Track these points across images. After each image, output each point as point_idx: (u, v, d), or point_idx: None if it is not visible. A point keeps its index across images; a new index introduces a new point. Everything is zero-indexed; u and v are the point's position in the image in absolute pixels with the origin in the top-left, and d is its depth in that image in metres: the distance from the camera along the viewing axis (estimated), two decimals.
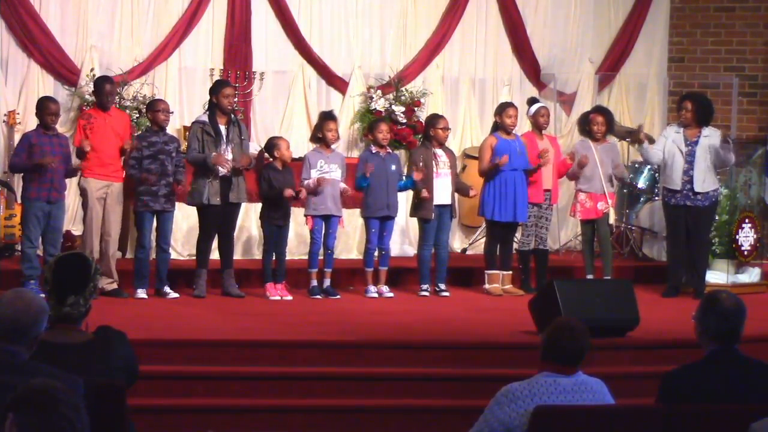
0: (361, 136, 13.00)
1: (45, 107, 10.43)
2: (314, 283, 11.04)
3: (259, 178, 10.88)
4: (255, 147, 11.95)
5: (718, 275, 11.83)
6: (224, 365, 8.43)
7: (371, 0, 13.38)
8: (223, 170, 10.64)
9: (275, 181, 10.78)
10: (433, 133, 11.30)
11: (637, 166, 13.10)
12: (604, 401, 5.19)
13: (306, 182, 10.88)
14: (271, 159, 10.95)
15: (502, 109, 11.54)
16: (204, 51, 12.80)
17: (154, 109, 10.77)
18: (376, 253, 11.24)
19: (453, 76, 13.75)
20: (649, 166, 12.84)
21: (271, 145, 10.99)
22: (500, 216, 11.28)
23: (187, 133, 11.30)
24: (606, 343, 8.55)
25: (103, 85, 10.79)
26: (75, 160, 10.84)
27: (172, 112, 11.38)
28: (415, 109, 13.12)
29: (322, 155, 11.03)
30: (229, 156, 10.71)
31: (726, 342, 5.29)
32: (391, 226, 11.31)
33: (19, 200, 10.89)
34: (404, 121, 12.99)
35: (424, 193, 11.09)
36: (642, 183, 13.03)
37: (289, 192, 10.71)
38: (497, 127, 11.47)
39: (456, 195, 11.50)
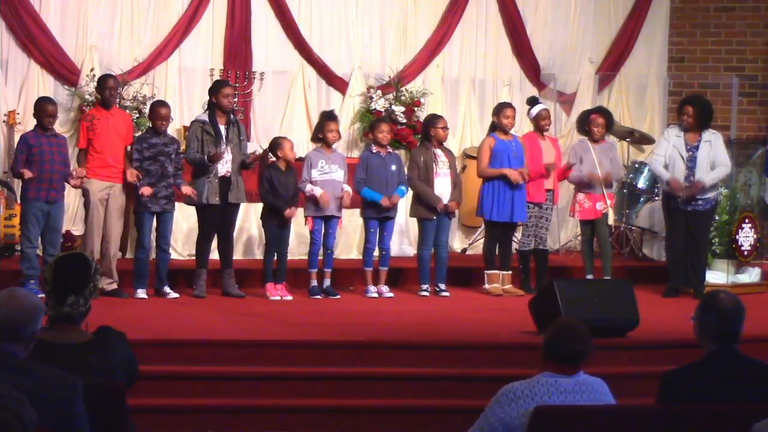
0: (361, 136, 13.00)
1: (42, 109, 10.43)
2: (314, 283, 11.04)
3: (261, 177, 10.87)
4: (254, 147, 11.94)
5: (718, 275, 11.82)
6: (224, 365, 8.42)
7: (371, 0, 13.38)
8: (222, 170, 10.64)
9: (277, 182, 10.77)
10: (433, 133, 11.29)
11: (637, 166, 13.10)
12: (606, 401, 5.18)
13: (308, 190, 10.85)
14: (274, 159, 10.95)
15: (500, 109, 11.52)
16: (204, 51, 12.80)
17: (154, 116, 10.75)
18: (375, 253, 11.24)
19: (453, 77, 13.74)
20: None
21: (275, 144, 10.97)
22: (498, 216, 11.28)
23: (187, 133, 11.29)
24: (606, 343, 8.53)
25: (106, 80, 10.79)
26: (74, 165, 10.86)
27: (172, 119, 11.33)
28: (415, 109, 13.12)
29: (323, 155, 11.02)
30: (229, 156, 10.71)
31: (726, 342, 5.29)
32: (391, 226, 11.31)
33: (18, 200, 10.88)
34: (404, 121, 12.99)
35: (441, 205, 11.09)
36: (642, 183, 13.03)
37: (289, 212, 10.73)
38: (495, 128, 11.46)
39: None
